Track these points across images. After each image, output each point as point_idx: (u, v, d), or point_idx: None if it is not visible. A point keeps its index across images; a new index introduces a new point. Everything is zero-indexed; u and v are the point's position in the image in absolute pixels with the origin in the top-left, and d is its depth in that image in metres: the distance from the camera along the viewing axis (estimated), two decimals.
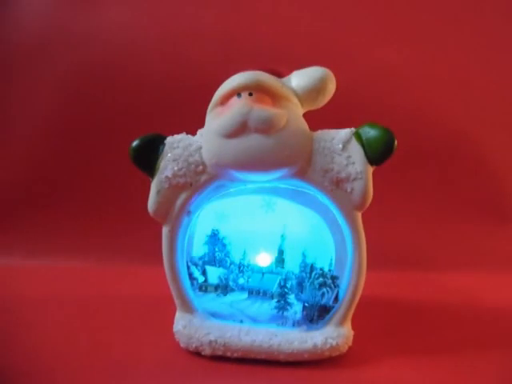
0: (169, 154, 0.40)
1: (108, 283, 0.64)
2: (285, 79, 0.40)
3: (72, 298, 0.56)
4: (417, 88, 0.82)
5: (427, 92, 0.82)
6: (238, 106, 0.37)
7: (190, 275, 0.41)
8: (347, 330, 0.39)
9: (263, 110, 0.37)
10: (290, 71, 0.41)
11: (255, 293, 0.40)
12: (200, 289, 0.40)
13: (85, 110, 0.82)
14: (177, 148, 0.40)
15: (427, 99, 0.82)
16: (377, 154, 0.37)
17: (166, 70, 0.80)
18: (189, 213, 0.40)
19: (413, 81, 0.82)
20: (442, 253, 0.73)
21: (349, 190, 0.37)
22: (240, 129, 0.37)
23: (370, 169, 0.38)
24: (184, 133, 0.41)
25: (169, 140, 0.41)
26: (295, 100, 0.39)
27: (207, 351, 0.39)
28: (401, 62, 0.81)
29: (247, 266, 0.40)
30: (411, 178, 0.80)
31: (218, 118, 0.38)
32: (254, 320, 0.40)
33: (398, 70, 0.81)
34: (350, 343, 0.40)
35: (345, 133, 0.39)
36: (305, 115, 0.40)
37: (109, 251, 0.73)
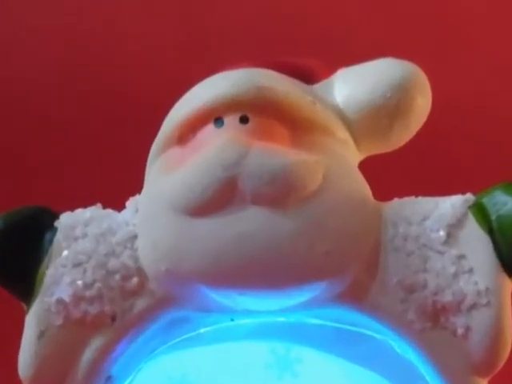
0: (64, 252, 0.35)
1: None
2: (320, 87, 0.37)
3: None
4: None
5: None
6: (217, 145, 0.33)
7: None
8: None
9: (271, 153, 0.33)
10: (330, 69, 0.37)
11: None
12: None
13: None
14: (82, 238, 0.36)
15: None
16: None
17: (60, 64, 0.67)
18: (109, 380, 0.36)
19: None
20: None
21: (460, 329, 0.33)
22: (222, 196, 0.33)
23: (508, 284, 0.33)
24: (98, 205, 0.37)
25: (65, 221, 0.36)
26: (343, 132, 0.36)
27: None
28: None
29: None
30: None
31: (173, 174, 0.34)
32: None
33: None
34: None
35: (452, 205, 0.34)
36: (363, 165, 0.36)
37: None
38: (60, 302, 0.35)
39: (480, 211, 0.35)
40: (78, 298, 0.35)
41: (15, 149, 0.68)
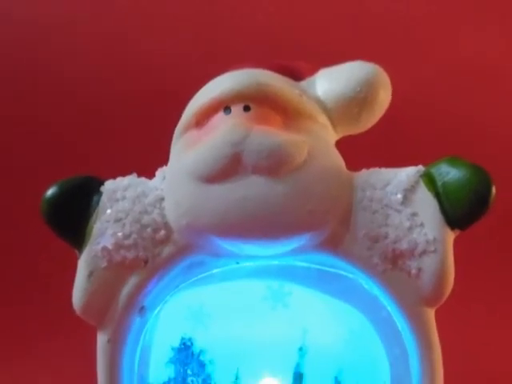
0: (108, 211, 0.39)
1: None
2: (305, 83, 0.40)
3: None
4: None
5: None
6: (225, 128, 0.36)
7: None
8: None
9: (268, 134, 0.36)
10: (313, 69, 0.41)
11: None
12: None
13: None
14: (122, 200, 0.39)
15: None
16: (462, 211, 0.36)
17: (105, 67, 0.74)
18: (142, 309, 0.39)
19: None
20: None
21: (414, 270, 0.36)
22: (229, 167, 0.36)
23: (451, 235, 0.36)
24: (134, 174, 0.40)
25: (108, 186, 0.39)
26: (323, 118, 0.39)
27: None
28: (499, 55, 0.72)
29: None
30: None
31: (191, 150, 0.37)
32: None
33: (495, 68, 0.72)
34: None
35: (407, 174, 0.37)
36: (339, 144, 0.39)
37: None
38: (104, 249, 0.38)
39: (429, 179, 0.37)
40: (118, 246, 0.38)
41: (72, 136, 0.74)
